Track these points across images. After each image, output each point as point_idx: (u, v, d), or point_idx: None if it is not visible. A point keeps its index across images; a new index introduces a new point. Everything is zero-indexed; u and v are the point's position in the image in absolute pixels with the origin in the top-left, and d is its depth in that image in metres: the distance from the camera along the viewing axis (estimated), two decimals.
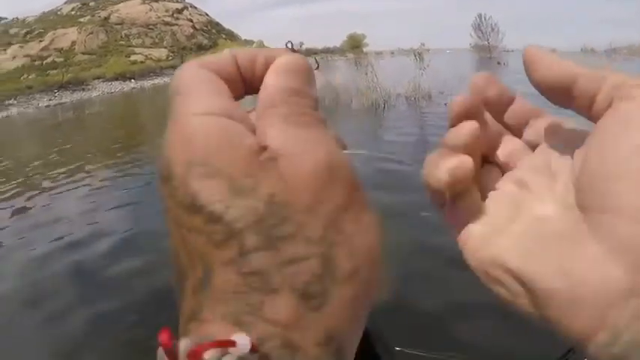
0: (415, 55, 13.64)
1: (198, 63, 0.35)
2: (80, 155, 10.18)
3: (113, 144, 11.28)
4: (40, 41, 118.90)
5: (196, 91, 0.30)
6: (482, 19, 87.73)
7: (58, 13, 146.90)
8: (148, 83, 74.43)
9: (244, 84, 0.35)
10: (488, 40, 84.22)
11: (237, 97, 0.34)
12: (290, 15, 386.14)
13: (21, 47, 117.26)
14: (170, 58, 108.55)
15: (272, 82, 0.31)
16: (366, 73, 13.16)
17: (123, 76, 77.56)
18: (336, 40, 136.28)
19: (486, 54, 61.62)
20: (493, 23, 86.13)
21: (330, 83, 13.60)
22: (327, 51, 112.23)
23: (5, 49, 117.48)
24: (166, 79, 78.61)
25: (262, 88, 0.32)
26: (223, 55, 0.35)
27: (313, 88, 0.34)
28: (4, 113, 56.36)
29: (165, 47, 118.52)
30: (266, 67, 0.33)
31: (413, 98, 12.81)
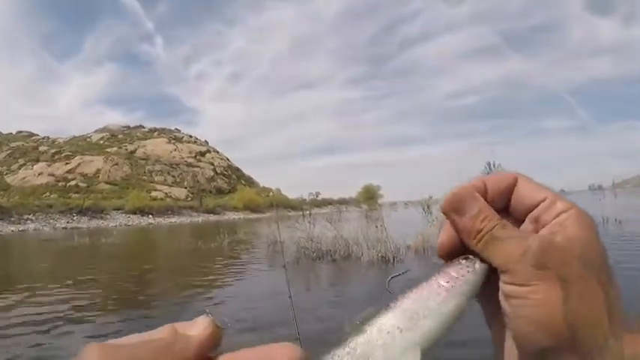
0: (423, 207, 14.62)
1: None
2: (91, 296, 10.05)
3: (126, 285, 11.40)
4: (67, 163, 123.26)
5: None
6: (492, 166, 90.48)
7: (88, 139, 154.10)
8: (165, 221, 77.04)
9: None
10: None
11: None
12: (309, 165, 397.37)
13: (48, 165, 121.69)
14: (189, 198, 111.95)
15: None
16: (377, 226, 14.08)
17: (141, 211, 79.64)
18: (353, 190, 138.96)
19: None
20: (502, 170, 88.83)
21: (342, 236, 14.58)
22: (343, 202, 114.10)
23: (32, 165, 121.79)
24: (183, 219, 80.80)
25: None
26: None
27: None
28: (21, 227, 58.00)
29: (186, 187, 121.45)
30: None
31: (422, 250, 13.68)
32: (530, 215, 0.51)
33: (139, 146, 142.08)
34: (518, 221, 0.52)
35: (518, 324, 0.46)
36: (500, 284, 0.48)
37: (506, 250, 0.47)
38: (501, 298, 0.48)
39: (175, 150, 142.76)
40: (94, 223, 66.13)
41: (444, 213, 0.52)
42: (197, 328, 0.39)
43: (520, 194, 0.52)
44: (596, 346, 0.43)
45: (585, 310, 0.43)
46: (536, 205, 0.51)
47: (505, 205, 0.53)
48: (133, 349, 0.35)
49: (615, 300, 0.45)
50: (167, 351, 0.37)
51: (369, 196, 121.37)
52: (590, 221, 0.49)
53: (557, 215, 0.48)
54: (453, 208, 0.51)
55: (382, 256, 13.03)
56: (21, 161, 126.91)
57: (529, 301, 0.44)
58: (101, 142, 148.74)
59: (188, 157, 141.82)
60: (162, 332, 0.38)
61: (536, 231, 0.50)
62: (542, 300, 0.44)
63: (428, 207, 14.97)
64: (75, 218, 67.32)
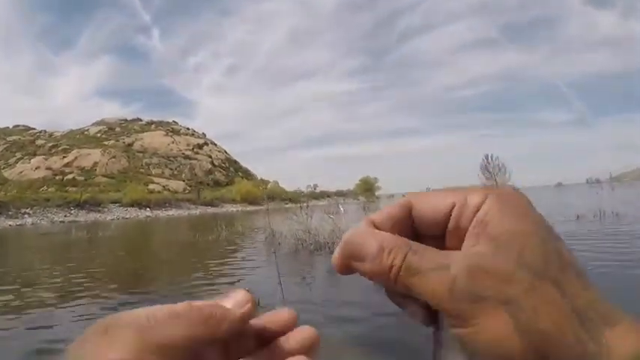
0: None
1: None
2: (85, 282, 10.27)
3: (123, 277, 11.57)
4: (64, 157, 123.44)
5: None
6: (490, 159, 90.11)
7: (85, 132, 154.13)
8: (163, 214, 77.04)
9: None
10: (495, 179, 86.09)
11: None
12: (307, 157, 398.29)
13: (45, 159, 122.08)
14: (187, 191, 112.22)
15: None
16: None
17: (139, 204, 79.67)
18: (351, 183, 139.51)
19: None
20: (500, 163, 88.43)
21: (340, 229, 14.60)
22: (340, 194, 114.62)
23: (30, 159, 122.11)
24: (181, 212, 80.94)
25: None
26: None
27: None
28: (19, 221, 58.08)
29: (183, 180, 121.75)
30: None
31: None
32: (448, 229, 0.44)
33: (136, 139, 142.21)
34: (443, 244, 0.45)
35: None
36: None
37: (429, 285, 0.39)
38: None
39: (173, 142, 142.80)
40: (92, 216, 66.22)
41: (344, 267, 0.44)
42: (237, 302, 0.41)
43: (421, 214, 0.45)
44: (573, 355, 0.36)
45: (544, 323, 0.36)
46: (448, 216, 0.44)
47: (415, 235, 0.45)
48: (167, 327, 0.35)
49: (587, 297, 0.38)
50: (207, 324, 0.38)
51: (367, 188, 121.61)
52: (518, 201, 0.42)
53: (475, 212, 0.42)
54: (351, 256, 0.43)
55: None
56: (18, 155, 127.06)
57: (478, 341, 0.38)
58: (98, 135, 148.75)
59: (186, 149, 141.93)
60: (193, 306, 0.38)
61: (460, 244, 0.42)
62: (491, 335, 0.37)
63: None
64: (72, 212, 67.34)
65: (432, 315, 0.42)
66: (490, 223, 0.40)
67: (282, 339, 0.43)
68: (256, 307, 0.42)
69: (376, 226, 0.44)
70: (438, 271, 0.39)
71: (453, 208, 0.43)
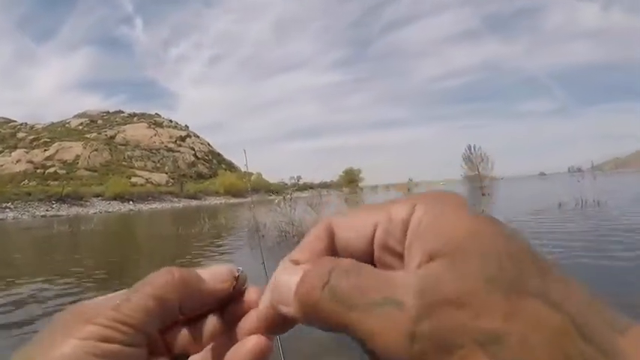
0: (404, 191, 14.77)
1: None
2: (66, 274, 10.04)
3: (103, 271, 11.26)
4: (45, 150, 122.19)
5: None
6: (472, 150, 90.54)
7: (66, 125, 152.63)
8: (145, 207, 76.38)
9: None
10: (478, 170, 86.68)
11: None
12: (290, 148, 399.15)
13: (26, 152, 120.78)
14: (170, 184, 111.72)
15: None
16: None
17: (122, 197, 79.06)
18: (334, 174, 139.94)
19: (477, 183, 63.90)
20: (483, 153, 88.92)
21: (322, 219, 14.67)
22: (324, 185, 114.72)
23: (10, 152, 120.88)
24: (164, 205, 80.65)
25: None
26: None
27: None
28: (0, 216, 57.20)
29: (166, 173, 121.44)
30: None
31: None
32: (375, 256, 0.35)
33: (118, 131, 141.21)
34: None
35: None
36: None
37: (376, 329, 0.28)
38: None
39: (155, 135, 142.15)
40: (74, 210, 65.53)
41: (273, 323, 0.38)
42: (215, 277, 0.40)
43: (344, 242, 0.37)
44: None
45: (541, 356, 0.25)
46: (372, 236, 0.35)
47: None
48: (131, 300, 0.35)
49: (582, 303, 0.27)
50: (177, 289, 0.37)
51: (351, 179, 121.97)
52: (455, 201, 0.33)
53: (404, 228, 0.33)
54: (276, 303, 0.35)
55: None
56: None
57: None
58: (80, 127, 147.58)
59: (168, 142, 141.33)
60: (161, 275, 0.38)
61: (391, 265, 0.34)
62: None
63: (408, 190, 15.11)
64: (54, 206, 66.64)
65: None
66: (429, 234, 0.31)
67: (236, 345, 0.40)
68: (244, 279, 0.42)
69: (299, 264, 0.36)
70: (386, 308, 0.28)
71: (376, 225, 0.35)
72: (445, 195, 0.34)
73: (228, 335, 0.41)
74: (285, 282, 0.34)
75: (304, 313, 0.32)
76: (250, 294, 0.41)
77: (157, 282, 0.37)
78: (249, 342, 0.39)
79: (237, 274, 0.42)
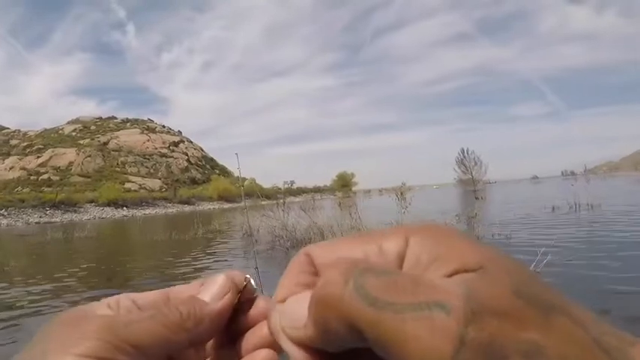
0: (397, 195, 14.73)
1: None
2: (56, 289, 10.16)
3: (97, 277, 11.18)
4: (39, 157, 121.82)
5: None
6: (465, 153, 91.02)
7: (59, 132, 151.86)
8: (139, 212, 76.31)
9: None
10: (471, 173, 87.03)
11: None
12: (283, 153, 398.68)
13: (19, 159, 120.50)
14: (163, 189, 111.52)
15: None
16: (350, 214, 14.05)
17: (115, 203, 79.00)
18: (328, 179, 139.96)
19: (470, 187, 63.99)
20: (476, 157, 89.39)
21: (316, 224, 14.70)
22: (317, 190, 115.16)
23: (4, 160, 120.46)
24: (158, 210, 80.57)
25: None
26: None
27: None
28: None
29: (160, 178, 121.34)
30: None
31: None
32: None
33: (111, 137, 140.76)
34: None
35: None
36: None
37: (416, 335, 0.24)
38: None
39: (148, 140, 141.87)
40: (68, 216, 65.46)
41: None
42: (214, 293, 0.38)
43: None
44: None
45: None
46: None
47: None
48: (139, 324, 0.33)
49: (595, 322, 0.27)
50: (184, 326, 0.35)
51: (344, 183, 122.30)
52: (451, 232, 0.30)
53: (399, 262, 0.30)
54: (285, 327, 0.33)
55: None
56: None
57: None
58: (73, 133, 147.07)
59: (161, 147, 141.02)
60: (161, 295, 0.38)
61: None
62: None
63: (401, 194, 15.01)
64: (48, 212, 66.49)
65: None
66: (435, 263, 0.28)
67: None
68: (252, 288, 0.41)
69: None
70: (428, 311, 0.25)
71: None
72: (438, 225, 0.32)
73: (232, 346, 0.40)
74: (293, 308, 0.32)
75: (324, 326, 0.28)
76: (259, 304, 0.39)
77: (165, 320, 0.34)
78: (258, 356, 0.38)
79: (244, 284, 0.40)
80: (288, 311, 0.32)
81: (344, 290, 0.26)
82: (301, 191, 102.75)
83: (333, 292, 0.27)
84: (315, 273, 0.33)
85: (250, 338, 0.39)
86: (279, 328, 0.32)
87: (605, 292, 6.19)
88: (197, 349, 0.40)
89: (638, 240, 10.07)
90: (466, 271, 0.27)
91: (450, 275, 0.27)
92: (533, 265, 6.74)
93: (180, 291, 0.39)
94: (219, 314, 0.37)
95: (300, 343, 0.31)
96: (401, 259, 0.30)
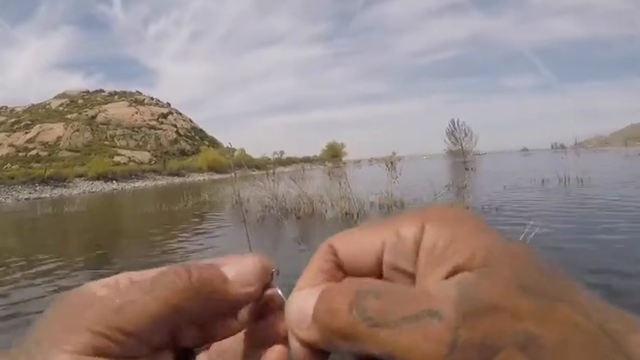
0: (387, 165, 14.72)
1: None
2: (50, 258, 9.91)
3: (87, 251, 11.15)
4: (27, 133, 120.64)
5: None
6: (456, 124, 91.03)
7: (47, 107, 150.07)
8: (129, 185, 75.76)
9: None
10: (462, 144, 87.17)
11: None
12: (273, 123, 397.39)
13: (7, 136, 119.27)
14: (153, 162, 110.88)
15: None
16: (340, 184, 13.98)
17: (105, 177, 78.40)
18: (317, 149, 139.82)
19: (460, 158, 64.25)
20: (466, 128, 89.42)
21: (305, 194, 14.74)
22: (307, 160, 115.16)
23: None
24: (147, 183, 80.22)
25: None
26: None
27: None
28: None
29: (149, 151, 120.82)
30: None
31: (385, 206, 13.69)
32: (385, 276, 0.33)
33: (99, 111, 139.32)
34: None
35: None
36: None
37: (414, 345, 0.26)
38: None
39: (137, 113, 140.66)
40: (58, 192, 64.97)
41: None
42: (241, 277, 0.36)
43: (349, 262, 0.35)
44: None
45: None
46: (380, 259, 0.33)
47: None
48: (142, 301, 0.31)
49: (600, 308, 0.28)
50: (198, 293, 0.33)
51: (334, 154, 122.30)
52: (466, 216, 0.32)
53: (416, 247, 0.31)
54: (292, 326, 0.34)
55: (346, 213, 13.00)
56: None
57: None
58: (61, 108, 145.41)
59: (150, 119, 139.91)
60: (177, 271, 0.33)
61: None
62: None
63: (391, 164, 14.99)
64: (37, 188, 65.94)
65: None
66: (450, 252, 0.29)
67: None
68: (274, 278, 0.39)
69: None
70: (422, 321, 0.26)
71: (383, 248, 0.33)
72: (454, 209, 0.33)
73: (241, 336, 0.39)
74: (300, 306, 0.33)
75: (328, 337, 0.30)
76: (277, 298, 0.38)
77: (171, 285, 0.32)
78: (273, 353, 0.37)
79: (272, 275, 0.38)
80: (293, 310, 0.34)
81: (349, 317, 0.28)
82: (291, 161, 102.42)
83: (339, 321, 0.28)
84: (338, 263, 0.35)
85: (263, 330, 0.38)
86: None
87: (593, 264, 6.26)
88: (201, 329, 0.37)
89: (628, 214, 10.12)
90: (471, 264, 0.28)
91: (453, 272, 0.29)
92: (522, 237, 6.79)
93: (200, 265, 0.36)
94: (236, 298, 0.36)
95: (303, 343, 0.32)
96: (417, 244, 0.31)
